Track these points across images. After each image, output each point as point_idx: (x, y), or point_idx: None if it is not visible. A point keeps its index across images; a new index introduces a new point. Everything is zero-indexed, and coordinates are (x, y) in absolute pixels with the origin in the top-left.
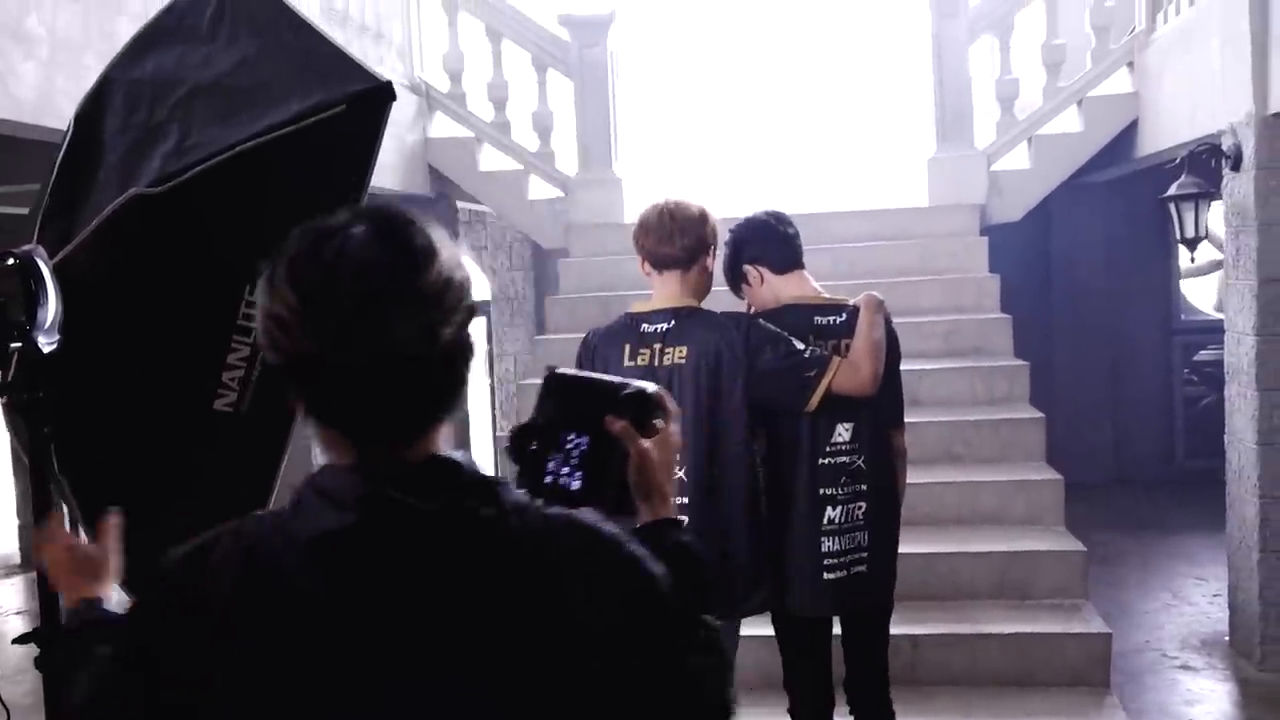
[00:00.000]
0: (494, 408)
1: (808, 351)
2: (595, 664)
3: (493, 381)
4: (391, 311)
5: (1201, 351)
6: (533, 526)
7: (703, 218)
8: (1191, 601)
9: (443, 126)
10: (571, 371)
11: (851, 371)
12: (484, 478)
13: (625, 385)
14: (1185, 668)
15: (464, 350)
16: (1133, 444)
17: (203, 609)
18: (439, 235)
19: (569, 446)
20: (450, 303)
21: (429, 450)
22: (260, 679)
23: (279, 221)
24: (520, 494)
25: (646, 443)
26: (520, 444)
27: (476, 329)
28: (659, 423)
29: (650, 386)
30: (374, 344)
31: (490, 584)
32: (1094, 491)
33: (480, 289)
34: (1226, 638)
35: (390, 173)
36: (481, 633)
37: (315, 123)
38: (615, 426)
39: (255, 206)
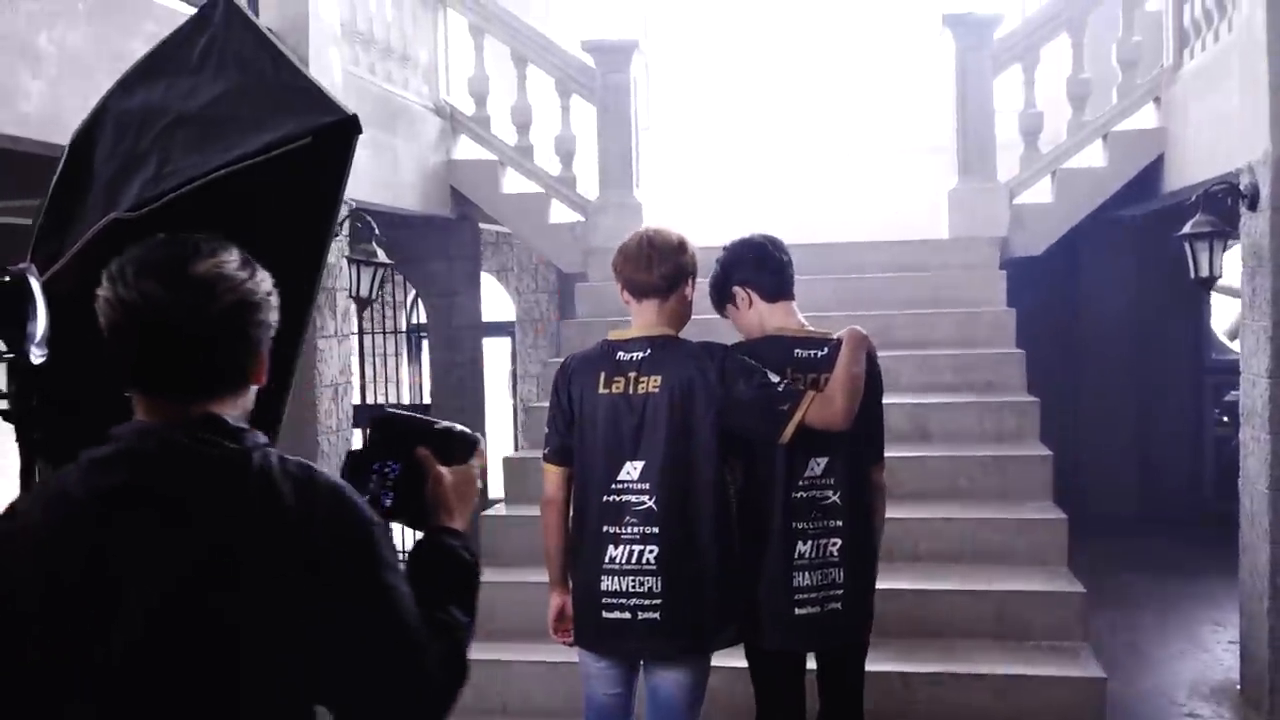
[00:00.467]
0: (516, 428)
1: (781, 385)
2: (306, 572)
3: (515, 402)
4: (160, 289)
5: (1232, 391)
6: (270, 460)
7: (681, 246)
8: (1206, 648)
9: (466, 149)
10: (400, 413)
11: (825, 404)
12: (238, 428)
13: (436, 423)
14: (1192, 715)
15: (239, 334)
16: (1161, 484)
17: (23, 529)
18: (230, 249)
19: (385, 471)
20: (220, 290)
21: (208, 412)
22: (45, 578)
23: (250, 246)
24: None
25: (444, 469)
26: (350, 467)
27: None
28: (473, 462)
29: (458, 427)
30: (148, 311)
31: (225, 499)
32: (1120, 532)
33: (504, 310)
34: (1238, 686)
35: (412, 193)
36: (216, 534)
37: (283, 153)
38: (420, 454)
39: (226, 232)
